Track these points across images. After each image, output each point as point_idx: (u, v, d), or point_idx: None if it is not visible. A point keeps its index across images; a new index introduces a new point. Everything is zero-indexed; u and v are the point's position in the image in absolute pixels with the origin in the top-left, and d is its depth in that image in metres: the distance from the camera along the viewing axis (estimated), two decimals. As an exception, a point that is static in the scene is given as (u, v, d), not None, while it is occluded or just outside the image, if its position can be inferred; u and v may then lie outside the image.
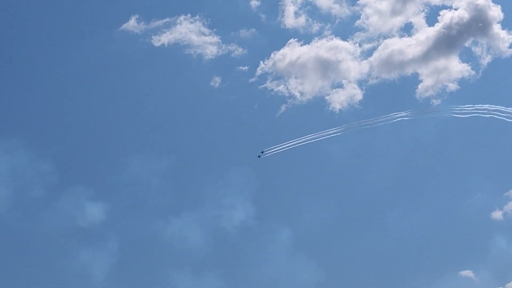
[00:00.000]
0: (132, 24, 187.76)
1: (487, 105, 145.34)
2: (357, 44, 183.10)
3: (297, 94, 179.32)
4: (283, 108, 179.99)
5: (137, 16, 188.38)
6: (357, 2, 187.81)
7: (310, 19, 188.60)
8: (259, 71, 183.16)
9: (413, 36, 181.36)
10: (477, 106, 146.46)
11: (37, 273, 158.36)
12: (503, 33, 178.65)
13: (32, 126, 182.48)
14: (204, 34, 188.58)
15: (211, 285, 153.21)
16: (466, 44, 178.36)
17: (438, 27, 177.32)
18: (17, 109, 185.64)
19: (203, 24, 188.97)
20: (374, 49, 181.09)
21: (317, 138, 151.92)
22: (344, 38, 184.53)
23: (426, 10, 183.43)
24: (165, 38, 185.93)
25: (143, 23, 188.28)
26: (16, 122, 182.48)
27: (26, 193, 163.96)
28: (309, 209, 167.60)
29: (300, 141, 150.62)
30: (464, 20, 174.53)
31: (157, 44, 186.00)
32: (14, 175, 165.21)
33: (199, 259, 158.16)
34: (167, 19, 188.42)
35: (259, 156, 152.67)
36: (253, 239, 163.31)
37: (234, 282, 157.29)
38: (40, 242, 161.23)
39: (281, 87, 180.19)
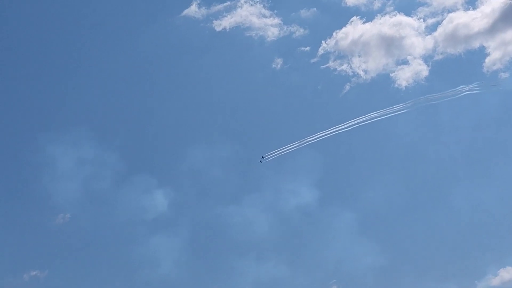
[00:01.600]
0: (193, 9, 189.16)
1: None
2: (421, 19, 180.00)
3: (361, 73, 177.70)
4: (347, 87, 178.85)
5: (198, 1, 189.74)
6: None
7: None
8: (321, 51, 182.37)
9: (478, 9, 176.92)
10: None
11: (109, 261, 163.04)
12: None
13: (96, 117, 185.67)
14: (265, 16, 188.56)
15: (275, 270, 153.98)
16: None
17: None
18: (82, 100, 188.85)
19: (264, 6, 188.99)
20: (439, 23, 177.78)
21: (382, 116, 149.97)
22: (407, 14, 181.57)
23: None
24: (226, 22, 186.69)
25: (204, 8, 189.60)
26: (81, 113, 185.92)
27: (93, 183, 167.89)
28: (373, 189, 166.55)
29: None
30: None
31: (218, 28, 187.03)
32: (81, 166, 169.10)
33: (263, 244, 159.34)
34: (228, 3, 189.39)
35: (260, 161, 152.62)
36: (316, 223, 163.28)
37: (297, 267, 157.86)
38: (109, 231, 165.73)
39: (344, 66, 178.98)
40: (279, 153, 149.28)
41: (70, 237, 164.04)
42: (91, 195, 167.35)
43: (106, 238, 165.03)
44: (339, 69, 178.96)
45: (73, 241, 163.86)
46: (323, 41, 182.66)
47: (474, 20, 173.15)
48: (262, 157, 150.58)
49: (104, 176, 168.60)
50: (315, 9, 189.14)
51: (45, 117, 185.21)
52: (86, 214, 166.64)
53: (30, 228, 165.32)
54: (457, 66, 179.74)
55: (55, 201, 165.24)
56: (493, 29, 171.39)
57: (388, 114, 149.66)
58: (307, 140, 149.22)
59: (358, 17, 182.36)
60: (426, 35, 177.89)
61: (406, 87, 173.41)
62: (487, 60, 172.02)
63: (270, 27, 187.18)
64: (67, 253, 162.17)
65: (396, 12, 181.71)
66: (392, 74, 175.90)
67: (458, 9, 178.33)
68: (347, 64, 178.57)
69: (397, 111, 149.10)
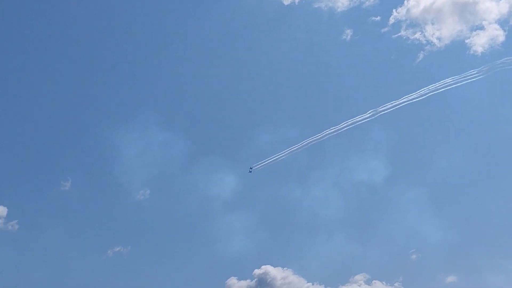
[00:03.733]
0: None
1: None
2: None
3: (435, 41, 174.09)
4: (420, 56, 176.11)
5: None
6: None
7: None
8: (392, 20, 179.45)
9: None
10: None
11: (185, 236, 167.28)
12: None
13: (162, 101, 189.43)
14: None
15: (347, 246, 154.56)
16: None
17: None
18: (146, 86, 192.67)
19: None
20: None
21: (457, 83, 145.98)
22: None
23: None
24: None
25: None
26: (147, 97, 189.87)
27: (167, 164, 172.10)
28: (444, 160, 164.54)
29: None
30: None
31: (286, 2, 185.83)
32: (153, 148, 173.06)
33: (333, 221, 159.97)
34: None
35: (249, 171, 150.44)
36: (385, 198, 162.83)
37: (369, 241, 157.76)
38: (184, 208, 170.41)
39: (417, 35, 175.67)
40: (268, 162, 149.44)
41: (150, 213, 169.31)
42: (166, 175, 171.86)
43: (182, 215, 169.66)
44: (411, 37, 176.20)
45: (153, 218, 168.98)
46: (394, 10, 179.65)
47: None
48: (251, 168, 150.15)
49: (176, 157, 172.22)
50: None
51: (113, 107, 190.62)
52: (163, 191, 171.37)
53: (113, 207, 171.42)
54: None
55: (134, 179, 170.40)
56: None
57: (463, 81, 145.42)
58: (379, 111, 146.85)
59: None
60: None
61: (482, 53, 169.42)
62: None
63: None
64: (148, 229, 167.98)
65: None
66: (467, 41, 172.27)
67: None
68: (420, 33, 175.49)
69: (472, 78, 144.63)
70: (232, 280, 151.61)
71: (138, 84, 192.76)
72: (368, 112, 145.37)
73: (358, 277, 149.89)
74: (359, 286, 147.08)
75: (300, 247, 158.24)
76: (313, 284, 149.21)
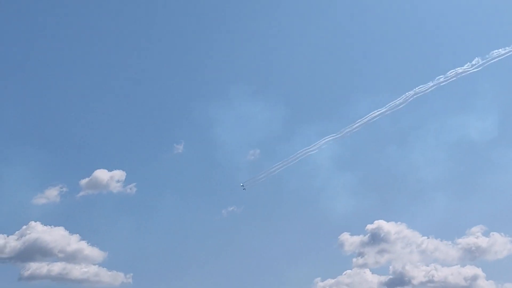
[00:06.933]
0: None
1: None
2: None
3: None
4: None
5: None
6: None
7: None
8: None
9: None
10: None
11: (295, 195, 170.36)
12: None
13: (259, 72, 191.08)
14: None
15: (455, 201, 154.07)
16: None
17: None
18: (244, 57, 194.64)
19: None
20: None
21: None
22: None
23: None
24: None
25: None
26: (243, 69, 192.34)
27: (267, 130, 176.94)
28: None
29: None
30: None
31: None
32: (251, 117, 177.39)
33: (437, 179, 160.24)
34: None
35: (243, 189, 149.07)
36: (490, 158, 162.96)
37: (478, 197, 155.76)
38: (291, 171, 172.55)
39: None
40: (259, 179, 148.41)
41: (261, 173, 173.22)
42: (269, 139, 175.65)
43: (291, 176, 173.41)
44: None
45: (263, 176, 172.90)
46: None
47: None
48: (242, 185, 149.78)
49: (276, 123, 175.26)
50: None
51: (211, 80, 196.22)
52: (271, 153, 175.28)
53: (225, 167, 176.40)
54: None
55: (242, 142, 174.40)
56: None
57: None
58: (487, 58, 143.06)
59: None
60: None
61: None
62: None
63: None
64: (259, 189, 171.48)
65: None
66: None
67: None
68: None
69: None
70: (345, 236, 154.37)
71: (228, 58, 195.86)
72: (474, 60, 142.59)
73: (474, 229, 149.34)
74: (477, 238, 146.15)
75: (410, 204, 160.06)
76: (428, 238, 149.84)
